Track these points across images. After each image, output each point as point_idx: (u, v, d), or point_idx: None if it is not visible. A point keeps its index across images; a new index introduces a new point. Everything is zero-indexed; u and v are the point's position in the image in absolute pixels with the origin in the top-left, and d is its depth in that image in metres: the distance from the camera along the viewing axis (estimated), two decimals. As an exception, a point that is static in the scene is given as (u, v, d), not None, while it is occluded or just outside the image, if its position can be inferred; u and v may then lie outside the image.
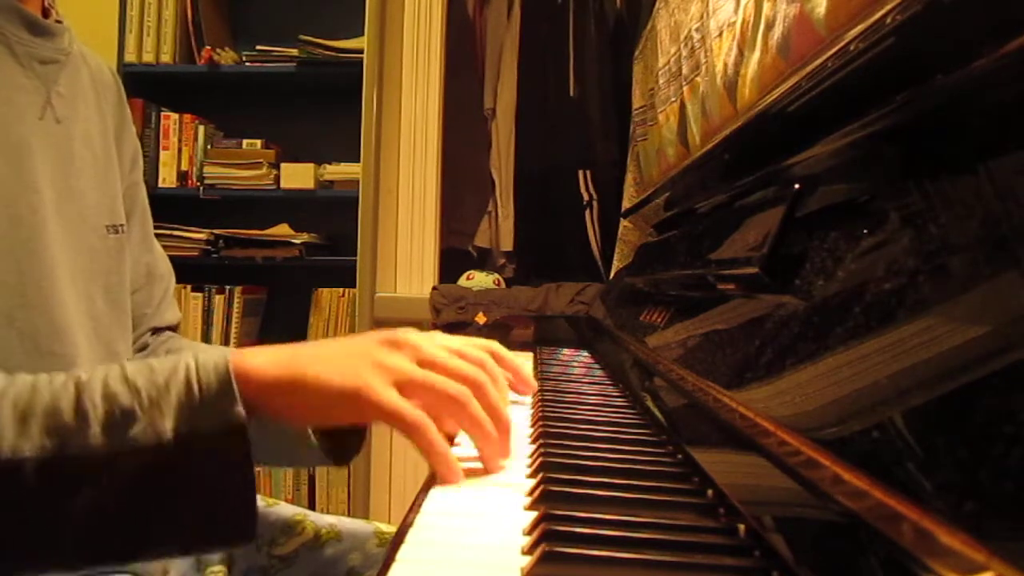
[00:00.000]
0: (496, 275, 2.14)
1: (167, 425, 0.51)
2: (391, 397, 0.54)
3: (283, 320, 2.41)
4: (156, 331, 0.92)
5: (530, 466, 0.56)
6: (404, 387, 0.55)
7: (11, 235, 0.66)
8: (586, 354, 1.23)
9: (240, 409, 0.52)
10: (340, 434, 0.69)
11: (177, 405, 0.52)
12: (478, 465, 0.57)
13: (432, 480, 0.54)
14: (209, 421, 0.52)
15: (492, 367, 0.62)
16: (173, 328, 0.95)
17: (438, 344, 0.61)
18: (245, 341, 2.29)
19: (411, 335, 0.59)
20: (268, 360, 0.55)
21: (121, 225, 0.81)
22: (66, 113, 0.74)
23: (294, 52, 2.24)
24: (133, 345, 0.87)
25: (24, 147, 0.69)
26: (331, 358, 0.56)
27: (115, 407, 0.51)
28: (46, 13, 0.74)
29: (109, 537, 0.52)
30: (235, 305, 2.29)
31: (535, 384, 0.80)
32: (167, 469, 0.51)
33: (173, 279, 0.97)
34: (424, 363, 0.57)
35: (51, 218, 0.70)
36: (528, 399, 0.81)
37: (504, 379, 0.64)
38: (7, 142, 0.67)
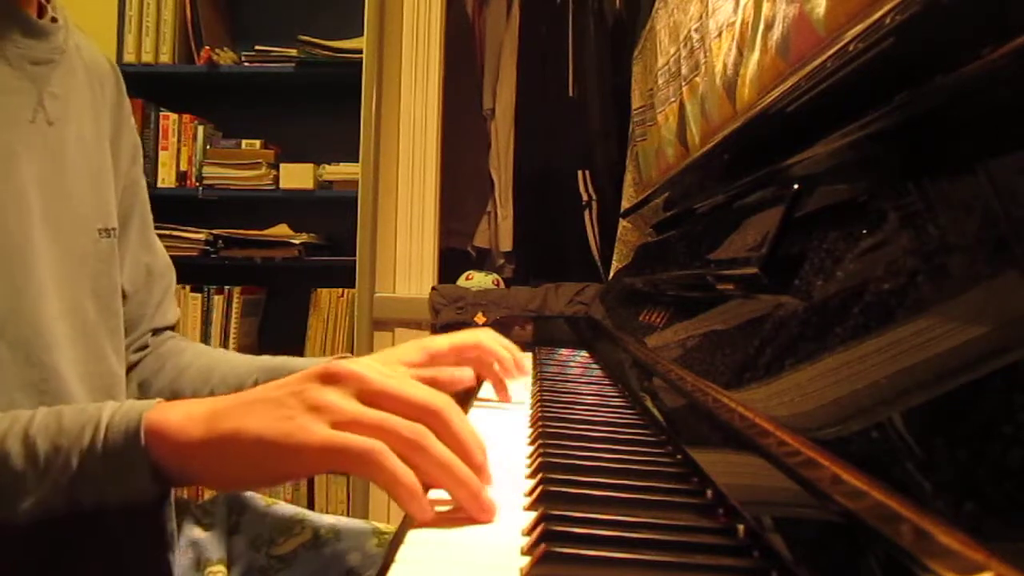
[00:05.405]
0: (495, 275, 2.14)
1: (59, 501, 0.47)
2: (327, 433, 0.47)
3: (282, 320, 2.41)
4: (156, 331, 0.91)
5: (529, 466, 0.56)
6: (345, 430, 0.47)
7: None
8: (585, 354, 1.23)
9: (148, 481, 0.48)
10: None
11: (78, 476, 0.47)
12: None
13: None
14: (114, 492, 0.48)
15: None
16: (172, 327, 0.94)
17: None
18: (244, 341, 2.29)
19: (354, 363, 0.51)
20: (189, 419, 0.50)
21: (113, 229, 0.80)
22: (59, 114, 0.73)
23: (293, 52, 2.23)
24: (132, 347, 0.87)
25: (10, 152, 0.67)
26: (257, 407, 0.49)
27: (5, 471, 0.47)
28: (41, 10, 0.73)
29: None
30: (234, 305, 2.29)
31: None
32: (63, 543, 0.48)
33: (173, 276, 0.94)
34: (368, 395, 0.49)
35: (37, 224, 0.68)
36: (527, 400, 0.82)
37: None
38: None
